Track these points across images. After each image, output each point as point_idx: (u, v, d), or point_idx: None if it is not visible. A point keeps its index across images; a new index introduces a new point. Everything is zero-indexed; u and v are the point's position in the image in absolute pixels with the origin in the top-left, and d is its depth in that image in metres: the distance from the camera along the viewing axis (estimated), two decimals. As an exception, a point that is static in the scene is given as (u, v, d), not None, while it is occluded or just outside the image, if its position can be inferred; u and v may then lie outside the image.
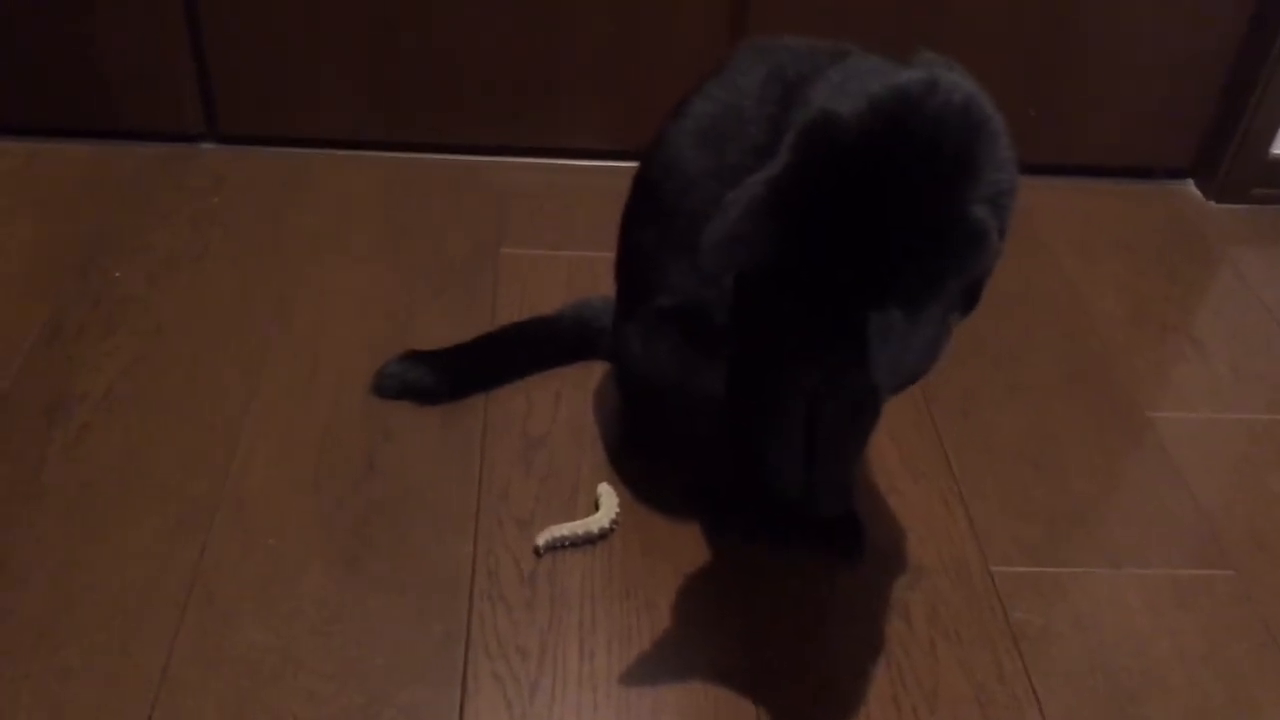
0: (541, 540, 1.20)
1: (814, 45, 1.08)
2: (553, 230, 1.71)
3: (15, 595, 1.12)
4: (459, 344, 1.41)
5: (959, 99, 0.89)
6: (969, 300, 0.95)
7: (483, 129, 1.86)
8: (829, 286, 0.88)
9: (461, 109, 1.84)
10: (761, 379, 1.12)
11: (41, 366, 1.39)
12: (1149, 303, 1.69)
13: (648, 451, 1.32)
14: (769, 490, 1.22)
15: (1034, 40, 1.81)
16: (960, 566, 1.24)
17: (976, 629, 1.18)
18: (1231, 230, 1.87)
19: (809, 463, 1.21)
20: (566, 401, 1.40)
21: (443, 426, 1.35)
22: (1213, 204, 1.92)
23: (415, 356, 1.39)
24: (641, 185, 1.18)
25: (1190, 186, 1.96)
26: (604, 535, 1.23)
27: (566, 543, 1.21)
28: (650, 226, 1.16)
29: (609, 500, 1.25)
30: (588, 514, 1.24)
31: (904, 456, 1.37)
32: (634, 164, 1.20)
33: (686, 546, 1.24)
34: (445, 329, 1.46)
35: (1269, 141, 1.87)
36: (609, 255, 1.26)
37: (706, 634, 1.15)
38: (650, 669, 1.11)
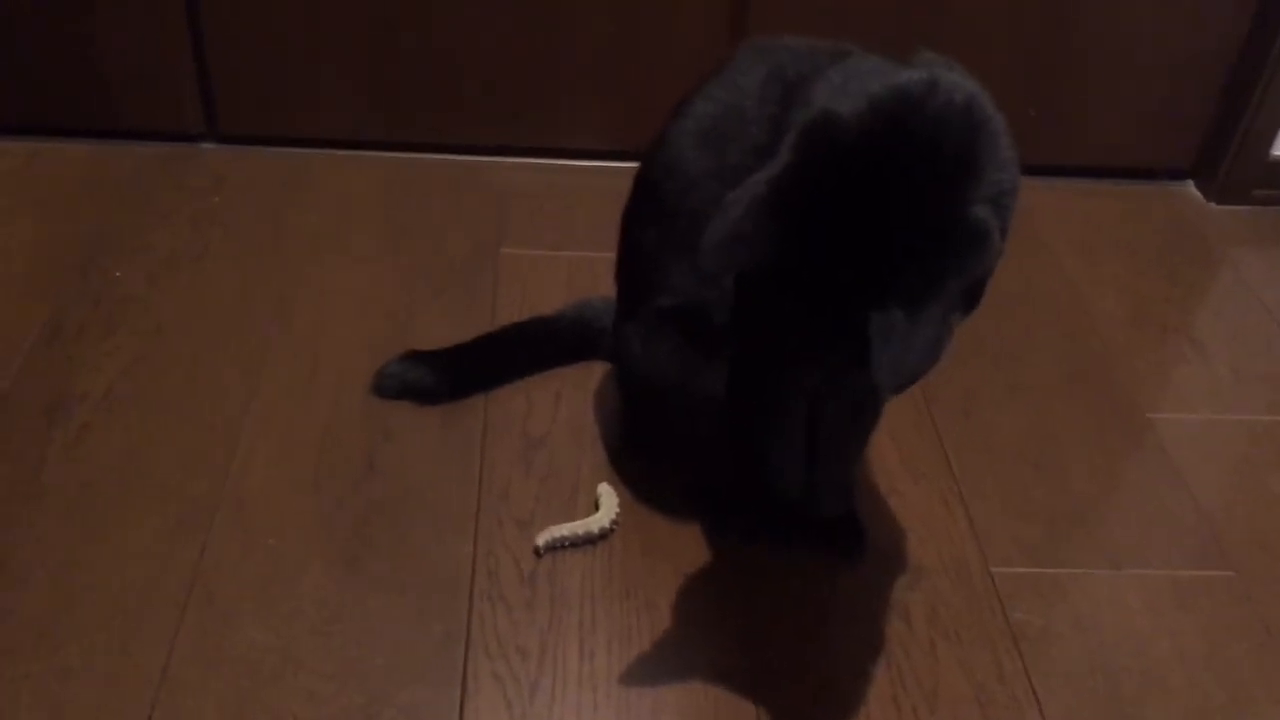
0: (541, 540, 1.20)
1: (814, 45, 1.08)
2: (553, 230, 1.71)
3: (15, 595, 1.12)
4: (459, 344, 1.41)
5: (960, 99, 0.89)
6: (970, 300, 0.95)
7: (483, 129, 1.86)
8: (830, 286, 0.87)
9: (461, 109, 1.84)
10: (762, 379, 1.12)
11: (41, 366, 1.39)
12: (1149, 304, 1.69)
13: (648, 452, 1.32)
14: (770, 490, 1.22)
15: (1034, 40, 1.81)
16: (960, 567, 1.24)
17: (976, 629, 1.18)
18: (1232, 231, 1.87)
19: (810, 463, 1.21)
20: (566, 402, 1.40)
21: (443, 426, 1.35)
22: (1213, 205, 1.92)
23: (415, 356, 1.39)
24: (642, 185, 1.18)
25: (1191, 188, 1.96)
26: (604, 535, 1.23)
27: (566, 543, 1.21)
28: (651, 227, 1.16)
29: (609, 500, 1.25)
30: (588, 514, 1.24)
31: (904, 457, 1.37)
32: (634, 164, 1.20)
33: (687, 547, 1.24)
34: (445, 329, 1.45)
35: (1269, 143, 1.87)
36: (609, 255, 1.26)
37: (707, 634, 1.15)
38: (650, 669, 1.11)
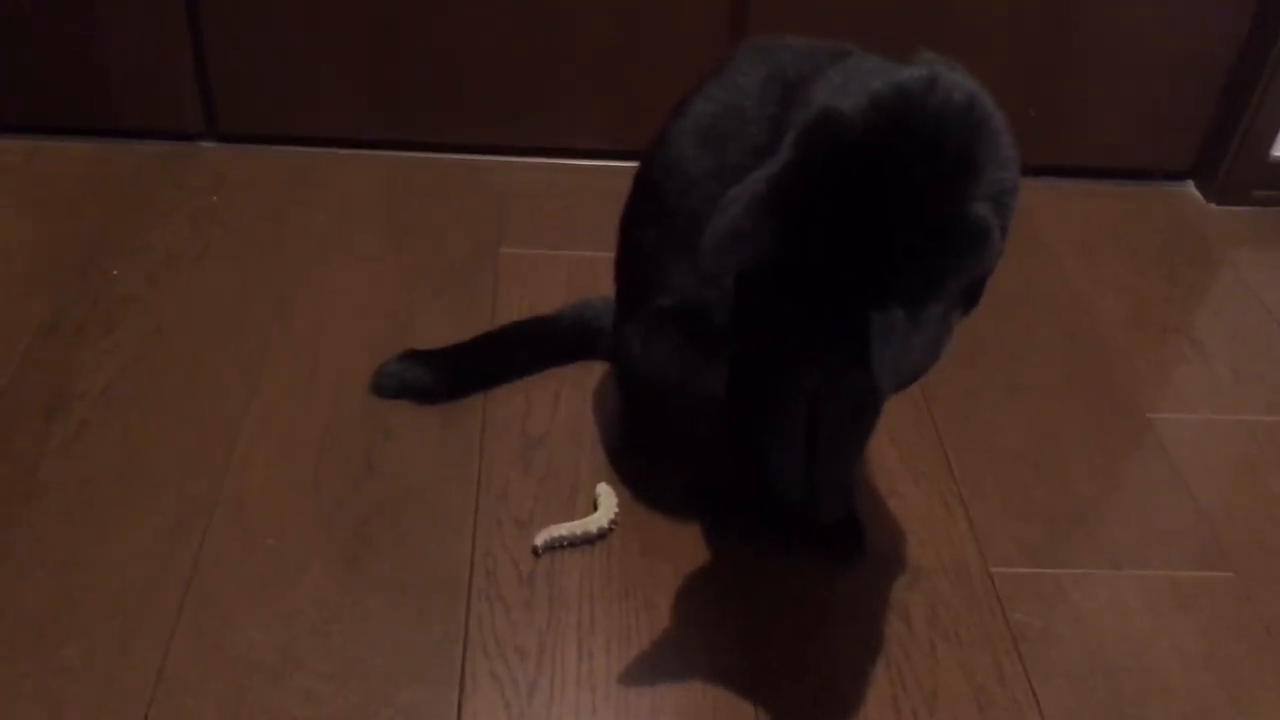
0: (540, 540, 1.20)
1: (814, 45, 1.08)
2: (553, 230, 1.71)
3: (13, 593, 1.12)
4: (458, 343, 1.41)
5: (961, 97, 0.88)
6: (970, 299, 0.95)
7: (483, 129, 1.86)
8: (830, 285, 0.87)
9: (461, 109, 1.84)
10: (762, 379, 1.12)
11: (40, 364, 1.38)
12: (1149, 304, 1.69)
13: (647, 452, 1.32)
14: (769, 491, 1.22)
15: (1034, 41, 1.81)
16: (960, 568, 1.24)
17: (976, 630, 1.17)
18: (1232, 232, 1.87)
19: (809, 464, 1.21)
20: (566, 401, 1.40)
21: (442, 426, 1.35)
22: (1213, 205, 1.92)
23: (414, 356, 1.39)
24: (642, 185, 1.18)
25: (1190, 188, 1.96)
26: (603, 535, 1.22)
27: (565, 543, 1.21)
28: (651, 226, 1.15)
29: (608, 500, 1.24)
30: (586, 514, 1.24)
31: (904, 457, 1.37)
32: (634, 164, 1.19)
33: (686, 547, 1.23)
34: (445, 329, 1.45)
35: (1269, 143, 1.87)
36: (609, 255, 1.25)
37: (706, 634, 1.15)
38: (649, 669, 1.11)
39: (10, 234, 1.61)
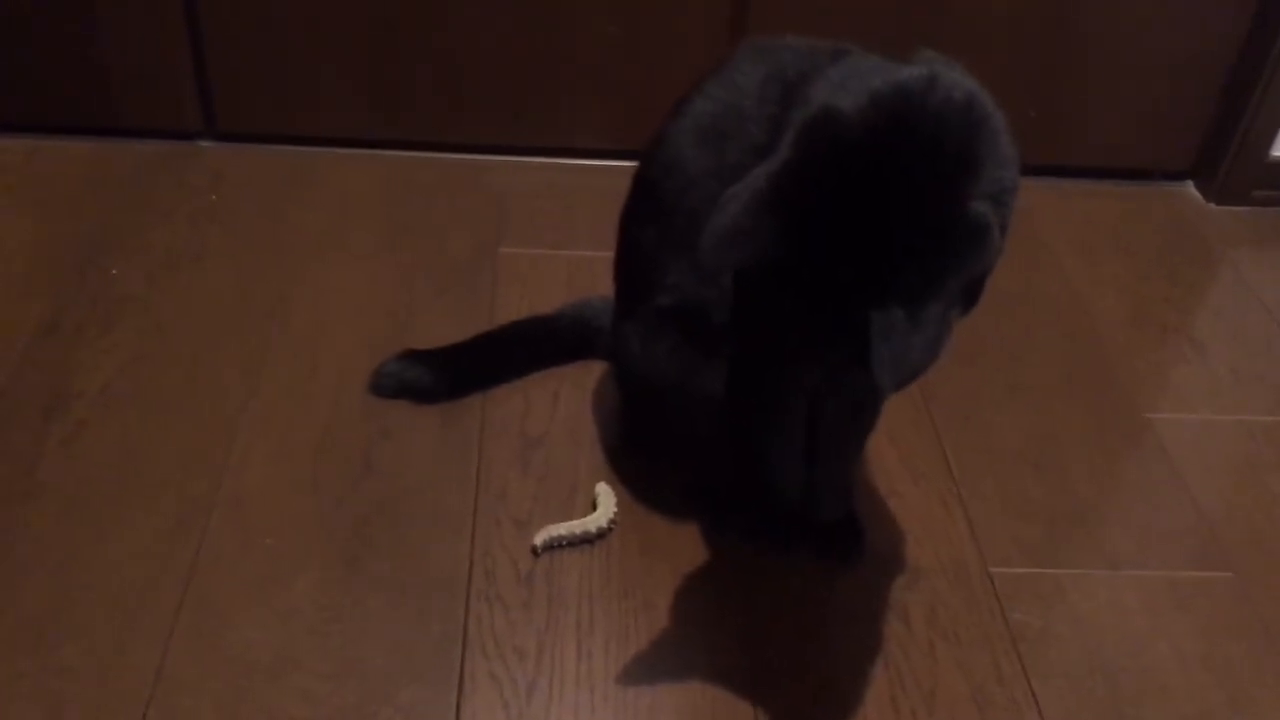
0: (539, 540, 1.20)
1: (814, 45, 1.08)
2: (552, 230, 1.71)
3: (11, 593, 1.12)
4: (457, 343, 1.41)
5: (960, 96, 0.88)
6: (970, 298, 0.95)
7: (482, 128, 1.86)
8: (830, 284, 0.87)
9: (461, 109, 1.84)
10: (762, 378, 1.12)
11: (39, 363, 1.38)
12: (1149, 304, 1.69)
13: (646, 451, 1.32)
14: (769, 490, 1.22)
15: (1034, 41, 1.81)
16: (959, 568, 1.24)
17: (975, 630, 1.17)
18: (1231, 232, 1.87)
19: (809, 463, 1.21)
20: (565, 401, 1.40)
21: (441, 426, 1.35)
22: (1213, 206, 1.92)
23: (413, 355, 1.39)
24: (641, 184, 1.18)
25: (1190, 188, 1.96)
26: (602, 535, 1.22)
27: (564, 542, 1.21)
28: (650, 225, 1.15)
29: (607, 500, 1.24)
30: (585, 514, 1.24)
31: (903, 457, 1.37)
32: (634, 164, 1.19)
33: (685, 546, 1.23)
34: (444, 328, 1.45)
35: (1269, 143, 1.87)
36: (608, 255, 1.25)
37: (704, 634, 1.15)
38: (648, 669, 1.11)
39: (9, 233, 1.61)
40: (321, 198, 1.75)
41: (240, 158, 1.82)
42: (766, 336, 1.05)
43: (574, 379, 1.43)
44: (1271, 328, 1.67)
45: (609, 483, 1.27)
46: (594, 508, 1.24)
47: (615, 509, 1.24)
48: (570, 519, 1.23)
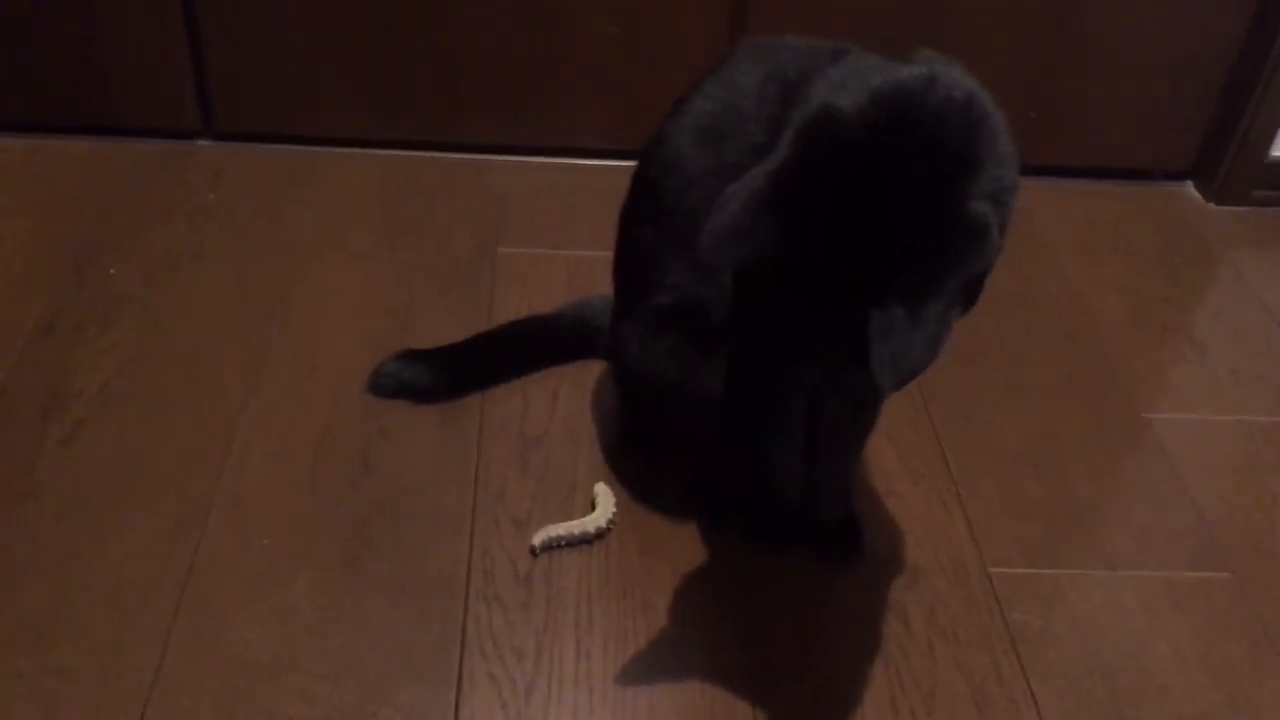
0: (538, 540, 1.20)
1: (813, 45, 1.08)
2: (551, 229, 1.71)
3: (9, 593, 1.12)
4: (456, 343, 1.41)
5: (960, 94, 0.88)
6: (969, 297, 0.95)
7: (482, 128, 1.86)
8: (829, 283, 0.87)
9: (461, 108, 1.84)
10: (761, 377, 1.12)
11: (37, 363, 1.38)
12: (1149, 304, 1.69)
13: (645, 451, 1.31)
14: (768, 490, 1.22)
15: (1034, 41, 1.81)
16: (958, 568, 1.24)
17: (974, 630, 1.17)
18: (1231, 232, 1.87)
19: (809, 463, 1.21)
20: (564, 401, 1.40)
21: (440, 426, 1.35)
22: (1212, 206, 1.92)
23: (412, 355, 1.39)
24: (640, 183, 1.17)
25: (1190, 188, 1.96)
26: (601, 535, 1.22)
27: (563, 542, 1.21)
28: (649, 224, 1.15)
29: (606, 500, 1.24)
30: (584, 514, 1.24)
31: (902, 458, 1.37)
32: (633, 163, 1.19)
33: (684, 546, 1.23)
34: (443, 328, 1.45)
35: (1269, 143, 1.87)
36: (608, 255, 1.25)
37: (704, 634, 1.15)
38: (647, 669, 1.11)
39: (8, 232, 1.61)
40: (320, 197, 1.75)
41: (239, 157, 1.82)
42: (766, 335, 1.05)
43: (573, 379, 1.43)
44: (1271, 328, 1.67)
45: (608, 482, 1.27)
46: (593, 507, 1.24)
47: (614, 509, 1.24)
48: (569, 519, 1.22)
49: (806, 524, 1.24)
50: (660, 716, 1.07)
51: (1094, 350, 1.58)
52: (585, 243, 1.64)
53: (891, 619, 1.18)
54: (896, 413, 1.37)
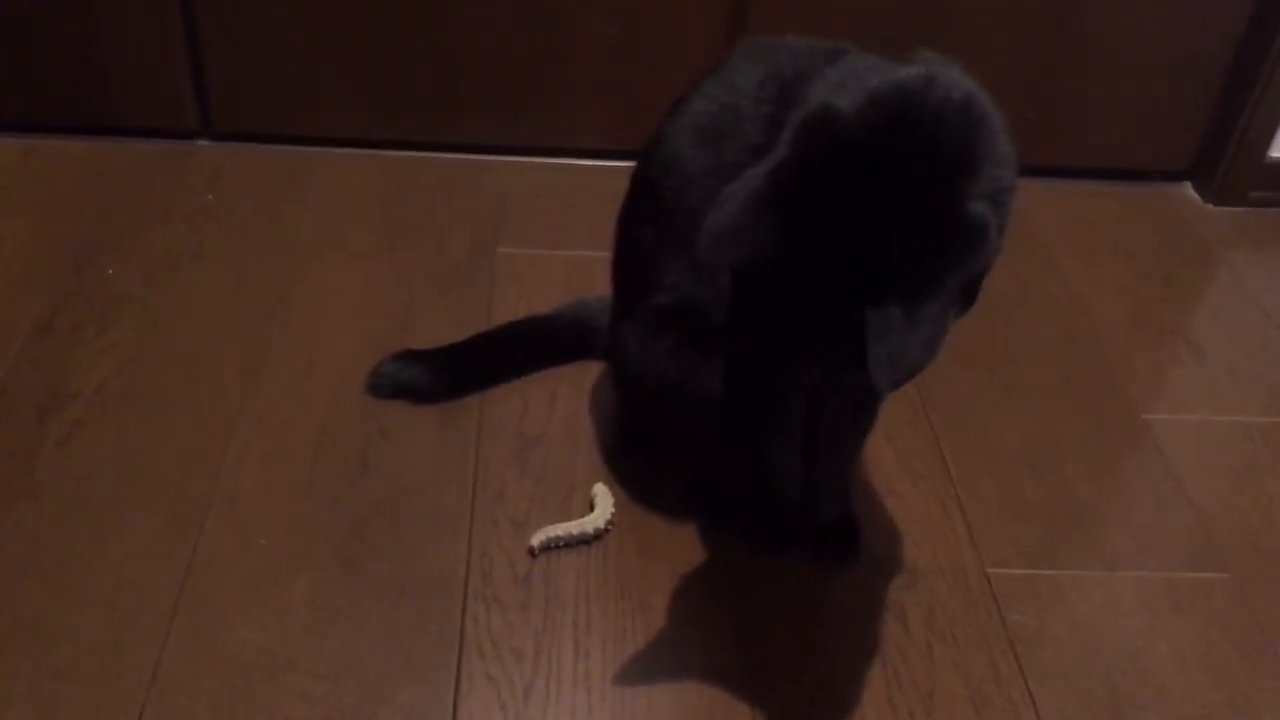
0: (536, 541, 1.20)
1: (812, 45, 1.08)
2: (550, 230, 1.71)
3: (8, 593, 1.11)
4: (455, 343, 1.41)
5: (959, 95, 0.88)
6: (967, 298, 0.95)
7: (481, 128, 1.85)
8: (827, 283, 0.87)
9: (461, 108, 1.84)
10: (760, 377, 1.12)
11: (35, 363, 1.38)
12: (1147, 305, 1.69)
13: (644, 451, 1.31)
14: (767, 490, 1.22)
15: (1033, 42, 1.81)
16: (956, 568, 1.24)
17: (972, 631, 1.17)
18: (1229, 233, 1.87)
19: (808, 463, 1.21)
20: (562, 401, 1.40)
21: (438, 426, 1.35)
22: (1210, 207, 1.92)
23: (411, 356, 1.39)
24: (639, 183, 1.17)
25: (1188, 189, 1.96)
26: (599, 536, 1.22)
27: (561, 543, 1.21)
28: (648, 225, 1.15)
29: (604, 500, 1.24)
30: (583, 514, 1.24)
31: (901, 458, 1.37)
32: (632, 164, 1.19)
33: (682, 547, 1.23)
34: (442, 328, 1.45)
35: (1267, 144, 1.87)
36: (606, 255, 1.25)
37: (702, 635, 1.15)
38: (645, 670, 1.11)
39: (6, 233, 1.61)
40: (319, 198, 1.75)
41: (238, 157, 1.81)
42: (764, 336, 1.05)
43: (572, 379, 1.43)
44: (1269, 329, 1.67)
45: (606, 483, 1.27)
46: (591, 508, 1.24)
47: (613, 509, 1.24)
48: (568, 519, 1.22)
49: (805, 525, 1.24)
50: (658, 717, 1.07)
51: (1092, 351, 1.58)
52: (584, 243, 1.64)
53: (890, 620, 1.18)
54: (895, 414, 1.37)
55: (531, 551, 1.20)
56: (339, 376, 1.39)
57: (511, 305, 1.53)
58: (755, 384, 1.12)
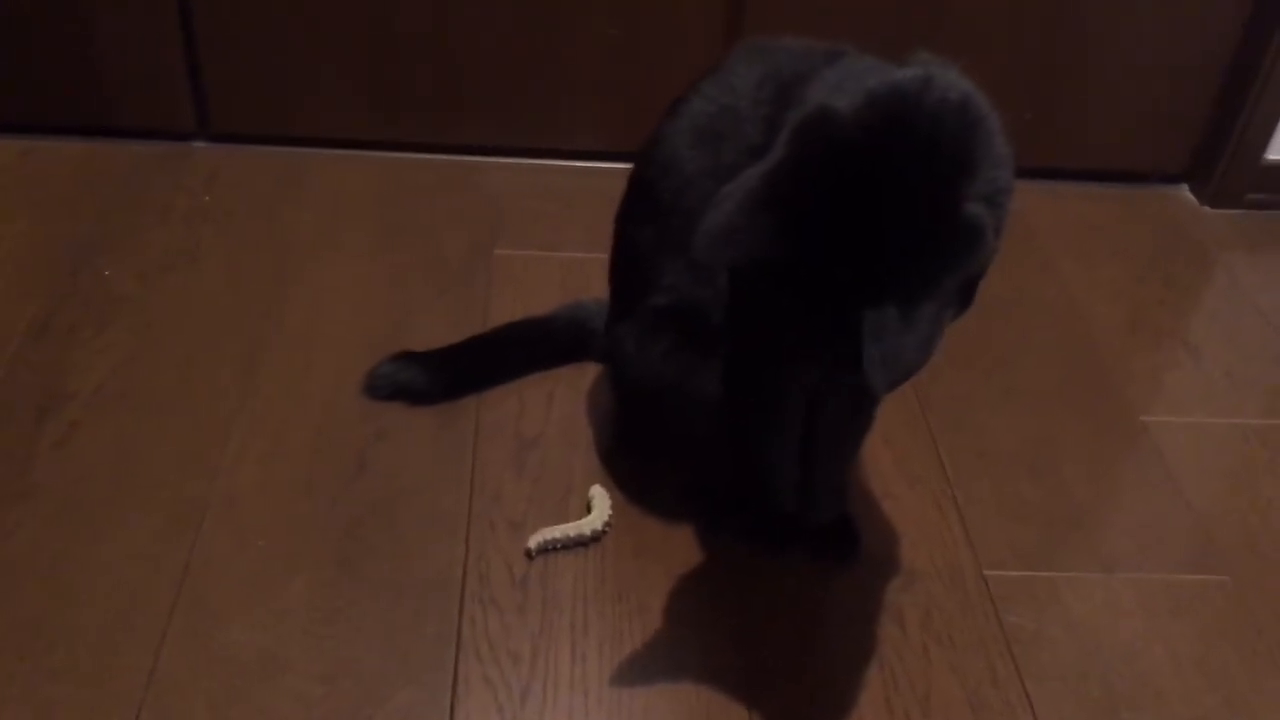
0: (533, 543, 1.20)
1: (810, 46, 1.08)
2: (547, 232, 1.70)
3: (4, 594, 1.11)
4: (452, 345, 1.41)
5: (956, 96, 0.88)
6: (964, 299, 0.95)
7: (479, 129, 1.85)
8: (825, 283, 0.87)
9: (461, 109, 1.84)
10: (758, 377, 1.12)
11: (32, 364, 1.38)
12: (1144, 307, 1.69)
13: (641, 453, 1.31)
14: (766, 491, 1.22)
15: (1031, 44, 1.81)
16: (954, 570, 1.24)
17: (970, 633, 1.17)
18: (1226, 235, 1.87)
19: (805, 464, 1.20)
20: (559, 403, 1.40)
21: (435, 427, 1.35)
22: (1207, 209, 1.92)
23: (408, 357, 1.39)
24: (637, 184, 1.17)
25: (1185, 192, 1.97)
26: (597, 538, 1.22)
27: (559, 545, 1.21)
28: (646, 225, 1.15)
29: (602, 502, 1.24)
30: (580, 516, 1.23)
31: (898, 460, 1.37)
32: (628, 165, 1.19)
33: (679, 549, 1.23)
34: (439, 330, 1.45)
35: (1263, 147, 1.88)
36: (603, 257, 1.25)
37: (699, 636, 1.14)
38: (642, 672, 1.10)
39: (3, 233, 1.61)
40: (316, 198, 1.74)
41: (235, 158, 1.81)
42: (762, 336, 1.05)
43: (569, 381, 1.43)
44: (1266, 331, 1.67)
45: (604, 485, 1.27)
46: (588, 510, 1.24)
47: (610, 511, 1.24)
48: (565, 521, 1.22)
49: (803, 526, 1.24)
50: (656, 719, 1.07)
51: (1090, 353, 1.59)
52: (580, 245, 1.64)
53: (887, 622, 1.18)
54: (893, 415, 1.37)
55: (529, 553, 1.20)
56: (336, 377, 1.39)
57: (508, 307, 1.53)
58: (753, 385, 1.12)
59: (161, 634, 1.09)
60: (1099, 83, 1.85)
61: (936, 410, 1.44)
